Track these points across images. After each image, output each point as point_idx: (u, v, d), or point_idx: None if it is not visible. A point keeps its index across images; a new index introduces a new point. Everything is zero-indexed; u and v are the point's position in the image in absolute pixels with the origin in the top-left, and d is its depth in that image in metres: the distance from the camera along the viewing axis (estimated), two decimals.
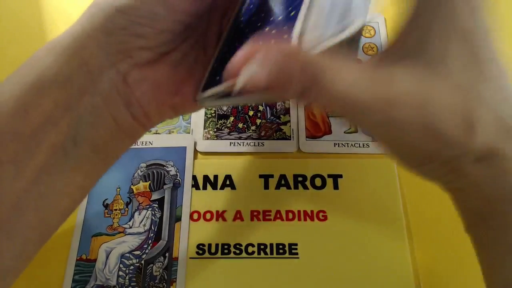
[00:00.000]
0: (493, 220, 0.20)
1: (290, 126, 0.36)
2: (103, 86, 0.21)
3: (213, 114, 0.36)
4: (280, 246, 0.31)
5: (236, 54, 0.17)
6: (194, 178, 0.34)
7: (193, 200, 0.33)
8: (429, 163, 0.20)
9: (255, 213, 0.32)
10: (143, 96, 0.22)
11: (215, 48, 0.25)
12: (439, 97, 0.18)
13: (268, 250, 0.31)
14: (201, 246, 0.31)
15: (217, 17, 0.26)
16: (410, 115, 0.18)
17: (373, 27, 0.40)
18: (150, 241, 0.31)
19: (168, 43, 0.23)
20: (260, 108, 0.37)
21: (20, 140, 0.19)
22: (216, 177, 0.34)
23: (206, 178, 0.34)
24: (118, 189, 0.33)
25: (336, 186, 0.33)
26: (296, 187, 0.33)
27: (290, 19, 0.19)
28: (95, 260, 0.30)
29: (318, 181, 0.33)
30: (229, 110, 0.37)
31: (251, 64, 0.17)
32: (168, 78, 0.23)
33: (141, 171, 0.34)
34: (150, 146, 0.35)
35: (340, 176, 0.34)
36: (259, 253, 0.31)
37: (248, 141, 0.35)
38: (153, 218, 0.32)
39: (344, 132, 0.35)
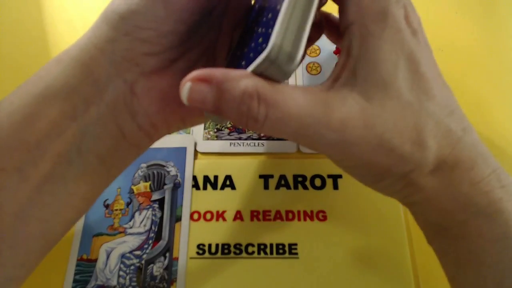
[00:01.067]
0: (452, 230, 0.21)
1: None
2: (109, 96, 0.21)
3: None
4: (280, 246, 0.31)
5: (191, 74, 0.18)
6: (194, 178, 0.34)
7: (193, 200, 0.33)
8: (384, 179, 0.21)
9: (255, 213, 0.32)
10: (150, 106, 0.22)
11: (225, 59, 0.25)
12: (389, 116, 0.19)
13: (268, 250, 0.31)
14: (201, 246, 0.31)
15: (228, 29, 0.25)
16: (362, 135, 0.18)
17: None
18: (150, 241, 0.31)
19: (174, 48, 0.22)
20: None
21: (25, 149, 0.19)
22: (216, 177, 0.34)
23: (206, 178, 0.34)
24: (119, 190, 0.33)
25: (336, 186, 0.33)
26: (296, 187, 0.33)
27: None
28: (95, 260, 0.30)
29: (318, 181, 0.34)
30: None
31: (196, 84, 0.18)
32: (176, 87, 0.23)
33: (142, 172, 0.34)
34: (151, 146, 0.35)
35: (340, 176, 0.34)
36: (259, 253, 0.31)
37: (248, 142, 0.35)
38: (153, 218, 0.32)
39: None
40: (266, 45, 0.17)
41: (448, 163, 0.19)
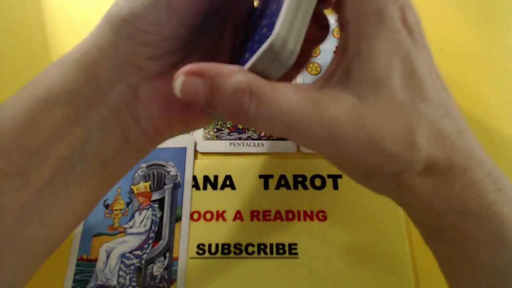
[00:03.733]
0: (446, 233, 0.20)
1: None
2: (112, 100, 0.21)
3: None
4: (280, 246, 0.31)
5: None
6: (194, 178, 0.34)
7: (193, 200, 0.33)
8: (375, 178, 0.20)
9: (255, 213, 0.32)
10: (153, 110, 0.22)
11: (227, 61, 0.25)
12: (381, 115, 0.18)
13: (268, 250, 0.31)
14: (201, 246, 0.31)
15: (230, 31, 0.25)
16: (353, 132, 0.18)
17: None
18: (150, 241, 0.31)
19: (176, 52, 0.22)
20: None
21: (27, 153, 0.19)
22: (216, 177, 0.34)
23: (206, 178, 0.34)
24: (119, 189, 0.33)
25: (335, 186, 0.33)
26: (296, 187, 0.33)
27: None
28: (95, 260, 0.30)
29: (318, 181, 0.34)
30: None
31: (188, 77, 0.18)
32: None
33: (142, 172, 0.34)
34: None
35: (340, 176, 0.34)
36: (259, 253, 0.31)
37: (248, 142, 0.35)
38: (153, 218, 0.32)
39: None
40: (270, 33, 0.17)
41: (440, 165, 0.19)
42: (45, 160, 0.19)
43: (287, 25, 0.17)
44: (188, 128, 0.24)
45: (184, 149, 0.35)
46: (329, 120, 0.18)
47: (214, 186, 0.33)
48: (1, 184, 0.19)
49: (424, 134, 0.19)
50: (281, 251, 0.31)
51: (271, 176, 0.34)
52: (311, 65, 0.39)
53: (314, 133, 0.18)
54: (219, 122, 0.36)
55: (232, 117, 0.18)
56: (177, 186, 0.33)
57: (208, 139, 0.35)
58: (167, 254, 0.31)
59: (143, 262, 0.30)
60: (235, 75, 0.18)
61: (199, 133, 0.36)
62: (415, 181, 0.20)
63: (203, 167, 0.34)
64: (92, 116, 0.20)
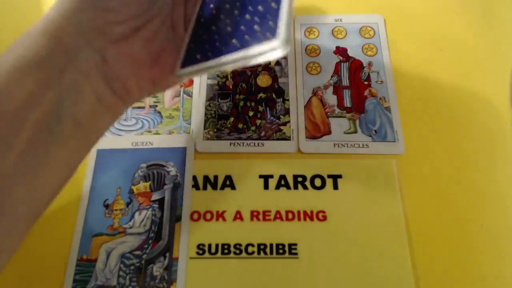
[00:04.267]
0: None
1: (290, 126, 0.36)
2: (82, 64, 0.22)
3: (213, 115, 0.36)
4: (280, 246, 0.31)
5: None
6: (194, 178, 0.34)
7: (193, 200, 0.33)
8: None
9: (255, 213, 0.32)
10: (121, 70, 0.24)
11: (184, 27, 0.28)
12: None
13: (268, 250, 0.31)
14: (201, 246, 0.31)
15: (180, 0, 0.28)
16: None
17: (372, 28, 0.40)
18: (150, 241, 0.31)
19: (137, 17, 0.24)
20: (260, 108, 0.37)
21: (5, 118, 0.20)
22: (216, 177, 0.34)
23: (206, 178, 0.34)
24: (119, 189, 0.33)
25: (335, 186, 0.33)
26: (296, 187, 0.33)
27: (273, 11, 0.21)
28: (95, 260, 0.30)
29: (317, 181, 0.33)
30: (229, 111, 0.37)
31: None
32: (143, 53, 0.25)
33: (142, 172, 0.34)
34: (151, 146, 0.35)
35: (340, 176, 0.34)
36: (259, 253, 0.31)
37: (248, 142, 0.35)
38: (153, 218, 0.32)
39: (344, 133, 0.35)
40: (271, 35, 0.20)
41: None
42: (23, 124, 0.20)
43: (288, 28, 0.19)
44: (156, 87, 0.26)
45: (184, 149, 0.35)
46: None
47: (214, 186, 0.33)
48: None
49: None
50: (281, 251, 0.31)
51: (271, 176, 0.34)
52: (311, 64, 0.39)
53: None
54: (219, 122, 0.36)
55: None
56: (177, 186, 0.33)
57: (208, 139, 0.35)
58: (167, 254, 0.31)
59: (143, 262, 0.30)
60: None
61: (199, 133, 0.36)
62: None
63: (203, 167, 0.34)
64: (64, 79, 0.21)
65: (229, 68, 0.33)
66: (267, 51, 0.20)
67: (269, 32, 0.20)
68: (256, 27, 0.21)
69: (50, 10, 0.22)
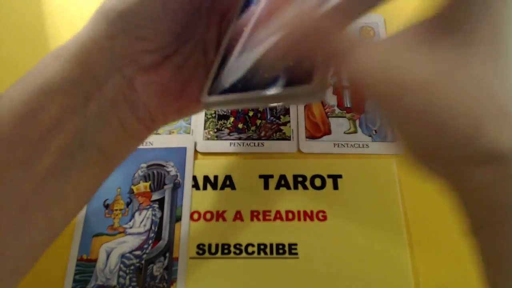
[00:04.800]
0: (499, 226, 0.19)
1: (290, 126, 0.36)
2: (109, 91, 0.21)
3: (213, 115, 0.36)
4: (280, 246, 0.31)
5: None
6: (194, 178, 0.34)
7: (193, 200, 0.33)
8: (433, 160, 0.19)
9: (255, 213, 0.32)
10: (149, 99, 0.23)
11: (216, 51, 0.26)
12: (458, 85, 0.16)
13: (268, 250, 0.31)
14: (201, 246, 0.31)
15: (215, 20, 0.26)
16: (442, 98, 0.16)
17: (372, 28, 0.40)
18: (150, 241, 0.31)
19: (170, 45, 0.23)
20: (260, 108, 0.37)
21: (29, 144, 0.19)
22: (216, 177, 0.34)
23: (206, 178, 0.34)
24: (119, 190, 0.33)
25: (336, 186, 0.33)
26: (296, 187, 0.33)
27: None
28: (95, 260, 0.30)
29: (318, 181, 0.34)
30: (229, 111, 0.37)
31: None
32: (172, 81, 0.24)
33: (142, 172, 0.34)
34: (151, 146, 0.35)
35: (340, 176, 0.34)
36: (259, 253, 0.31)
37: (248, 142, 0.35)
38: (153, 218, 0.32)
39: (344, 133, 0.35)
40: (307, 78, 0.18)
41: (504, 155, 0.17)
42: (46, 150, 0.20)
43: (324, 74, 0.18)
44: (180, 115, 0.26)
45: (184, 149, 0.35)
46: (429, 83, 0.16)
47: (214, 186, 0.33)
48: (4, 175, 0.19)
49: (494, 119, 0.17)
50: (281, 251, 0.31)
51: (271, 176, 0.34)
52: None
53: (408, 97, 0.17)
54: (219, 122, 0.36)
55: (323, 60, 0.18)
56: (177, 186, 0.33)
57: (208, 139, 0.35)
58: (167, 254, 0.31)
59: (143, 262, 0.30)
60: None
61: (199, 134, 0.36)
62: (475, 169, 0.17)
63: (203, 167, 0.34)
64: (90, 107, 0.21)
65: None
66: (303, 94, 0.18)
67: (305, 75, 0.18)
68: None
69: (81, 34, 0.21)
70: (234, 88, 0.22)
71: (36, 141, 0.20)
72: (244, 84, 0.21)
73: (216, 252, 0.31)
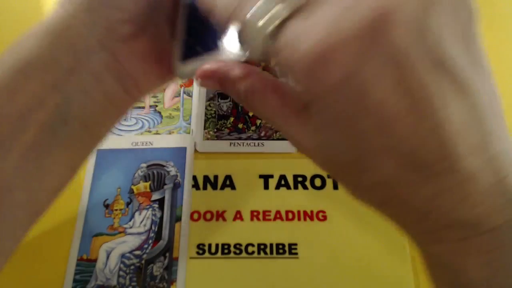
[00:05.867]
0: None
1: None
2: (91, 64, 0.21)
3: (213, 115, 0.36)
4: (280, 246, 0.31)
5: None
6: (194, 178, 0.34)
7: (193, 200, 0.33)
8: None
9: (255, 213, 0.32)
10: (133, 68, 0.23)
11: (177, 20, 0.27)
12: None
13: (268, 250, 0.31)
14: (201, 246, 0.31)
15: None
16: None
17: None
18: (150, 241, 0.31)
19: (145, 13, 0.24)
20: None
21: (7, 121, 0.20)
22: (216, 177, 0.34)
23: (206, 178, 0.34)
24: (119, 190, 0.33)
25: (336, 186, 0.33)
26: (296, 187, 0.33)
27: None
28: (95, 260, 0.30)
29: (318, 181, 0.33)
30: (229, 111, 0.37)
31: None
32: (152, 49, 0.24)
33: (142, 172, 0.34)
34: (151, 146, 0.35)
35: None
36: (259, 253, 0.31)
37: (248, 142, 0.35)
38: (153, 218, 0.32)
39: None
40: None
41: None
42: (26, 127, 0.20)
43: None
44: (163, 81, 0.26)
45: (184, 149, 0.35)
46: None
47: (214, 186, 0.33)
48: None
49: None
50: (281, 251, 0.31)
51: (271, 176, 0.34)
52: None
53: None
54: (219, 122, 0.36)
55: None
56: (177, 186, 0.33)
57: (208, 139, 0.35)
58: (167, 254, 0.31)
59: (143, 262, 0.30)
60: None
61: (199, 133, 0.36)
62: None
63: (203, 167, 0.34)
64: (72, 81, 0.21)
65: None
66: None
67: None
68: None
69: (57, 9, 0.21)
70: (205, 48, 0.23)
71: (15, 119, 0.20)
72: (209, 45, 0.23)
73: (216, 252, 0.31)
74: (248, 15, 0.16)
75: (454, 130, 0.14)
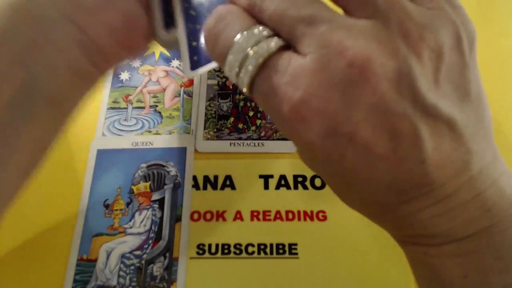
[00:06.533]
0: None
1: None
2: (56, 37, 0.21)
3: (213, 115, 0.36)
4: (280, 246, 0.31)
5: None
6: (194, 178, 0.34)
7: (193, 200, 0.33)
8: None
9: (255, 213, 0.32)
10: (100, 40, 0.22)
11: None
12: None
13: (268, 250, 0.31)
14: (201, 246, 0.31)
15: None
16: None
17: None
18: (150, 241, 0.31)
19: None
20: (260, 108, 0.37)
21: None
22: (216, 177, 0.34)
23: (206, 178, 0.34)
24: (119, 190, 0.33)
25: None
26: (296, 187, 0.33)
27: None
28: (95, 260, 0.30)
29: (318, 181, 0.34)
30: (229, 111, 0.37)
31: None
32: (121, 20, 0.23)
33: (142, 172, 0.34)
34: (151, 146, 0.35)
35: None
36: (259, 253, 0.31)
37: (248, 142, 0.35)
38: (153, 218, 0.32)
39: None
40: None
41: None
42: None
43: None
44: (131, 53, 0.25)
45: (184, 149, 0.35)
46: None
47: (214, 186, 0.33)
48: None
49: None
50: (281, 251, 0.31)
51: (271, 176, 0.34)
52: None
53: None
54: (219, 122, 0.36)
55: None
56: (177, 186, 0.33)
57: (208, 139, 0.35)
58: (167, 254, 0.31)
59: (143, 262, 0.30)
60: None
61: (199, 134, 0.36)
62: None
63: (203, 167, 0.34)
64: (36, 55, 0.20)
65: None
66: None
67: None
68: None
69: None
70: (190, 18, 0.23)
71: None
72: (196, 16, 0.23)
73: (216, 252, 0.31)
74: (226, 66, 0.17)
75: (435, 164, 0.15)
